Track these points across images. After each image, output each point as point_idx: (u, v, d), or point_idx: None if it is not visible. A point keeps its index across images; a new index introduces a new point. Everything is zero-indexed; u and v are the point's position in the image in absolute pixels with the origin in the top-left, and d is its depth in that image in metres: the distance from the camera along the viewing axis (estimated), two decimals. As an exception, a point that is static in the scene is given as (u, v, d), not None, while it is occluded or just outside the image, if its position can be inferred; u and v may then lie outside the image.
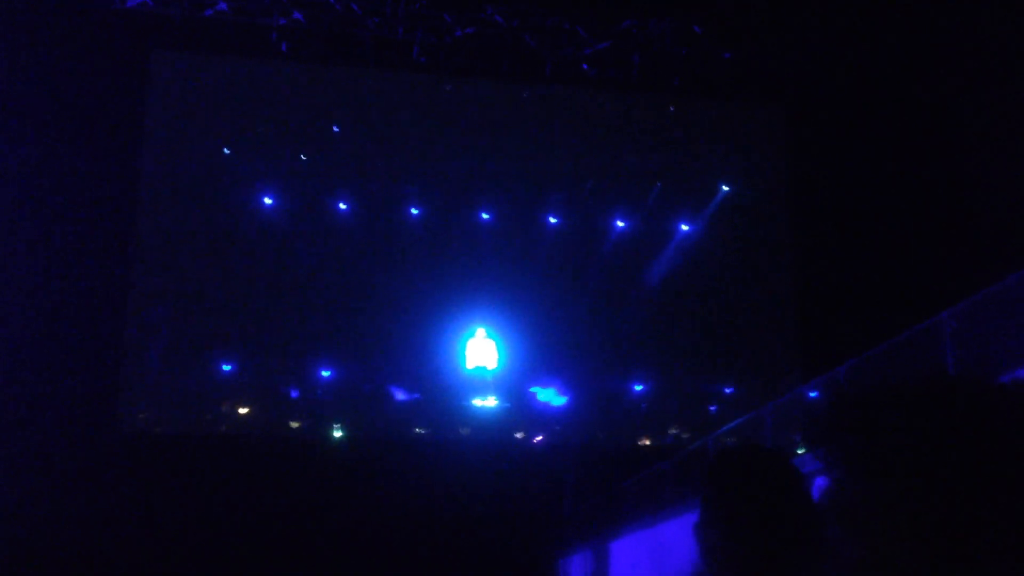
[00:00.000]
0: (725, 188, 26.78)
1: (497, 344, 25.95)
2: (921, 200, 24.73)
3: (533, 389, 25.88)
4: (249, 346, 25.11)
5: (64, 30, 23.49)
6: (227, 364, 25.05)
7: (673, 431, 25.94)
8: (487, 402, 25.71)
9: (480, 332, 25.95)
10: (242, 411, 25.41)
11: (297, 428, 25.28)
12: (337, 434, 25.24)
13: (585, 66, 25.82)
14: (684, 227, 26.89)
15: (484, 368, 25.80)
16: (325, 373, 25.41)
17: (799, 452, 16.70)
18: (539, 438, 25.56)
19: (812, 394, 18.26)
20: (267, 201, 25.77)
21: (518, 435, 25.61)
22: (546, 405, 25.72)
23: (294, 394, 25.33)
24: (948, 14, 23.09)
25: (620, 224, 26.76)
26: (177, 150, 25.04)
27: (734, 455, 2.52)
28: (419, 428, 25.47)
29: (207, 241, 25.00)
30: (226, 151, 25.43)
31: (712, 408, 25.57)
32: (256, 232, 25.29)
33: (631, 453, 24.33)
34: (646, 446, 25.09)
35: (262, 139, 25.40)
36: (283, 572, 22.97)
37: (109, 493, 22.78)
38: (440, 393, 25.45)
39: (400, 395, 25.40)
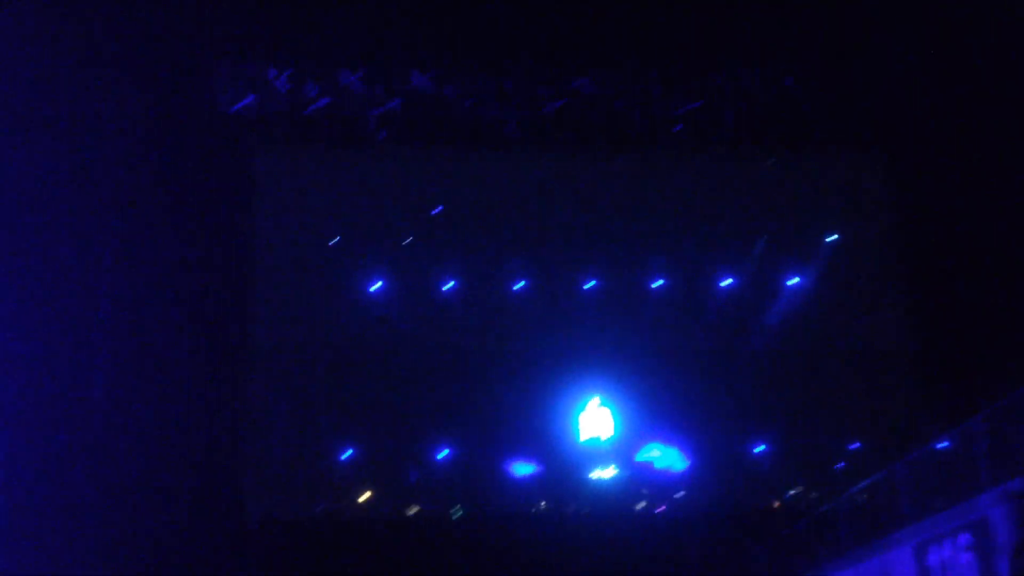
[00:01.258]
0: (831, 239, 26.32)
1: (612, 413, 25.77)
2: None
3: (650, 456, 25.55)
4: (366, 431, 25.41)
5: (172, 135, 24.41)
6: (346, 450, 25.36)
7: (799, 491, 25.27)
8: (604, 473, 25.45)
9: (593, 402, 25.81)
10: (362, 497, 25.60)
11: (418, 510, 25.35)
12: (457, 514, 25.23)
13: (679, 127, 25.77)
14: (793, 280, 26.45)
15: (598, 439, 25.60)
16: (443, 453, 25.51)
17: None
18: (661, 508, 25.14)
19: (942, 445, 17.69)
20: (377, 285, 26.22)
21: (639, 506, 25.24)
22: (665, 472, 25.36)
23: (413, 476, 25.46)
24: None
25: (727, 282, 26.46)
26: (286, 246, 25.67)
27: None
28: (543, 502, 25.31)
29: (320, 331, 25.50)
30: (333, 241, 25.98)
31: (838, 466, 24.88)
32: (367, 317, 25.72)
33: (756, 517, 23.78)
34: (773, 508, 24.45)
35: (367, 226, 25.91)
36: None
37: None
38: (557, 466, 25.32)
39: (517, 471, 25.34)
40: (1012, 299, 23.26)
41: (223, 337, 24.88)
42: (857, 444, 25.16)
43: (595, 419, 25.79)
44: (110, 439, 22.68)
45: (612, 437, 25.67)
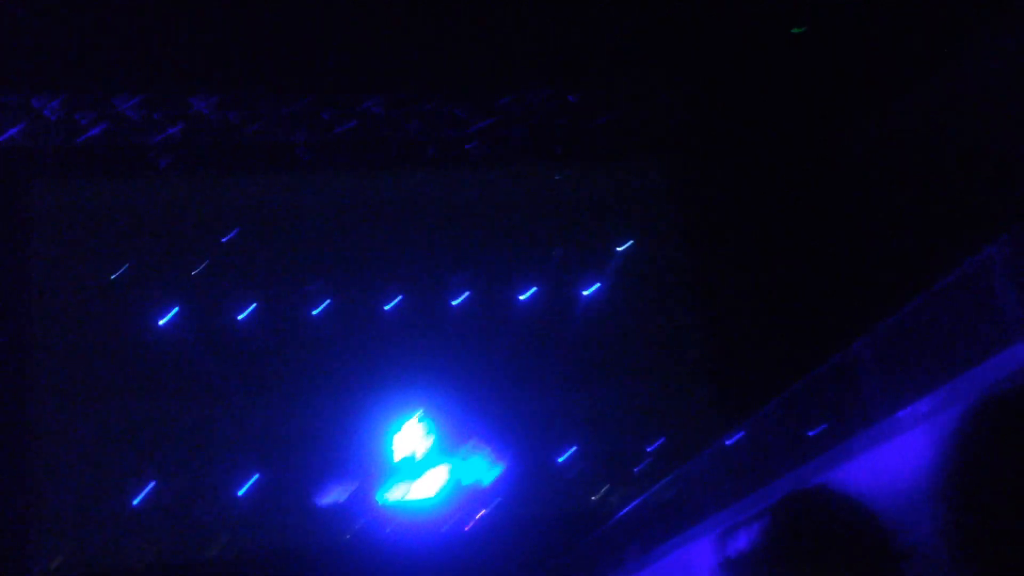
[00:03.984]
0: (622, 247, 27.24)
1: (428, 426, 25.67)
2: (817, 229, 25.56)
3: (459, 473, 25.62)
4: (163, 471, 24.30)
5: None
6: (139, 495, 24.12)
7: (606, 491, 25.90)
8: (417, 494, 25.33)
9: (414, 417, 25.63)
10: (159, 542, 24.30)
11: (218, 552, 24.32)
12: (264, 549, 24.41)
13: (472, 144, 26.16)
14: (588, 290, 27.20)
15: (411, 458, 25.47)
16: (240, 492, 24.57)
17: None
18: (469, 525, 25.18)
19: (732, 440, 18.54)
20: (163, 320, 25.15)
21: (452, 520, 25.21)
22: (475, 486, 25.48)
23: (208, 517, 24.37)
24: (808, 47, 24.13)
25: (526, 294, 26.95)
26: (68, 280, 24.40)
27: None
28: (347, 534, 24.83)
29: (109, 368, 24.27)
30: (114, 275, 24.81)
31: (640, 466, 25.67)
32: (160, 351, 24.66)
33: (562, 521, 24.21)
34: (578, 511, 24.95)
35: (155, 256, 24.93)
36: None
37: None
38: (370, 491, 25.02)
39: (324, 500, 24.81)
40: (792, 294, 24.76)
41: (2, 378, 23.36)
42: (658, 443, 26.03)
43: (411, 437, 25.61)
44: None
45: (428, 454, 25.55)
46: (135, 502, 24.12)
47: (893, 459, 12.41)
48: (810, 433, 15.31)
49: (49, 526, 23.51)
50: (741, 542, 2.52)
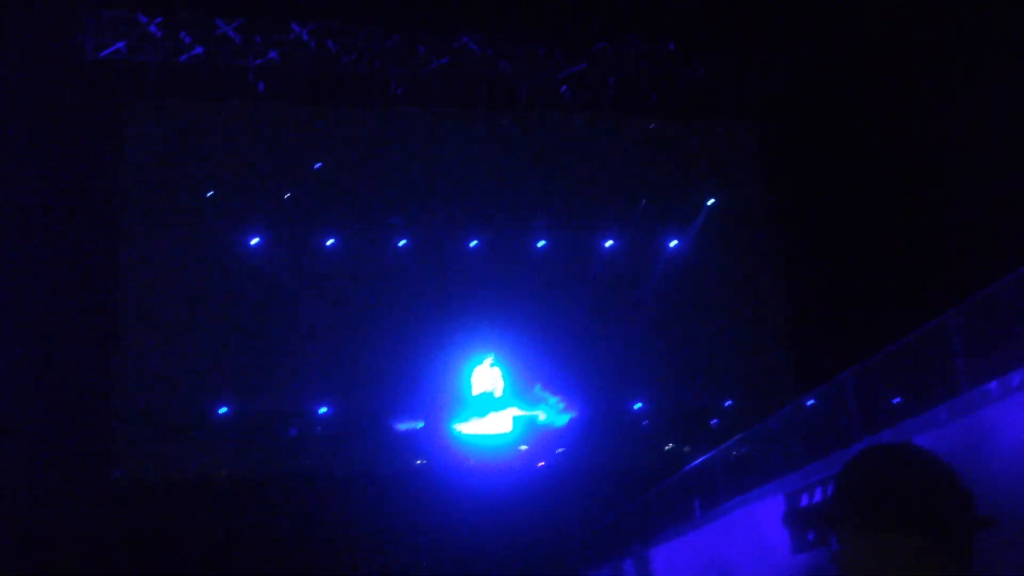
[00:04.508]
0: (709, 202, 26.95)
1: (502, 370, 25.99)
2: (905, 202, 24.99)
3: (533, 412, 25.86)
4: (245, 387, 24.93)
5: (39, 83, 23.36)
6: (223, 407, 24.85)
7: (675, 446, 25.94)
8: (492, 428, 25.66)
9: (487, 360, 25.99)
10: (240, 453, 25.13)
11: (297, 467, 25.04)
12: (338, 471, 25.02)
13: (563, 88, 25.95)
14: (672, 243, 26.98)
15: (490, 394, 25.80)
16: (323, 410, 25.25)
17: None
18: (542, 463, 25.47)
19: (811, 402, 18.37)
20: (253, 241, 25.67)
21: (522, 456, 25.48)
22: (548, 428, 25.70)
23: (293, 432, 25.13)
24: (917, 22, 23.43)
25: (609, 243, 26.84)
26: (160, 196, 24.93)
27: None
28: (419, 460, 25.33)
29: (195, 286, 24.89)
30: (209, 194, 25.32)
31: (714, 422, 25.62)
32: (244, 273, 25.20)
33: (634, 470, 24.32)
34: (649, 462, 25.04)
35: (245, 180, 25.34)
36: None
37: (103, 542, 22.42)
38: (443, 422, 25.41)
39: (400, 426, 25.29)
40: (879, 262, 24.29)
41: (92, 288, 24.05)
42: (732, 401, 25.92)
43: (487, 376, 25.97)
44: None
45: (503, 395, 25.87)
46: (216, 414, 24.81)
47: (980, 430, 12.18)
48: (894, 400, 15.07)
49: (132, 433, 24.28)
50: (816, 496, 2.36)
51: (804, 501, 16.56)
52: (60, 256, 23.47)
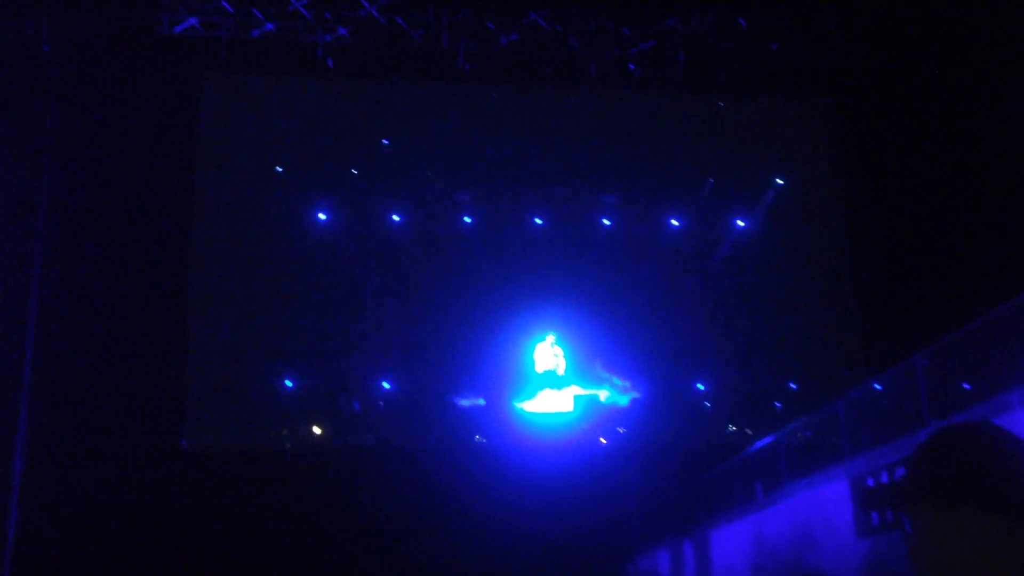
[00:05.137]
0: (779, 182, 26.57)
1: (564, 348, 25.99)
2: (977, 185, 24.38)
3: (595, 391, 25.82)
4: (310, 361, 25.26)
5: (115, 58, 23.78)
6: (289, 380, 25.21)
7: (738, 428, 25.73)
8: (553, 406, 25.69)
9: (550, 338, 26.02)
10: (305, 426, 25.54)
11: (361, 440, 25.37)
12: (400, 445, 25.30)
13: (632, 66, 25.74)
14: (740, 223, 26.67)
15: (552, 372, 25.84)
16: (386, 385, 25.49)
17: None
18: (603, 440, 25.46)
19: (879, 386, 18.09)
20: (321, 216, 25.95)
21: (583, 438, 25.49)
22: (611, 407, 25.65)
23: (356, 407, 25.42)
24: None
25: (675, 223, 26.62)
26: (230, 170, 25.31)
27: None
28: (479, 436, 25.47)
29: (264, 259, 25.24)
30: (278, 169, 25.64)
31: (777, 404, 25.34)
32: (312, 247, 25.51)
33: (696, 452, 24.20)
34: (711, 444, 24.88)
35: (313, 155, 25.61)
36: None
37: (174, 511, 22.93)
38: (505, 399, 25.51)
39: (463, 402, 25.44)
40: (952, 244, 23.75)
41: (163, 264, 24.52)
42: (796, 383, 25.61)
43: (549, 354, 26.00)
44: (51, 361, 22.36)
45: (564, 373, 25.89)
46: (282, 388, 25.18)
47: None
48: (965, 385, 14.75)
49: (200, 406, 24.76)
50: (884, 478, 2.29)
51: (870, 484, 16.33)
52: (134, 230, 23.96)
